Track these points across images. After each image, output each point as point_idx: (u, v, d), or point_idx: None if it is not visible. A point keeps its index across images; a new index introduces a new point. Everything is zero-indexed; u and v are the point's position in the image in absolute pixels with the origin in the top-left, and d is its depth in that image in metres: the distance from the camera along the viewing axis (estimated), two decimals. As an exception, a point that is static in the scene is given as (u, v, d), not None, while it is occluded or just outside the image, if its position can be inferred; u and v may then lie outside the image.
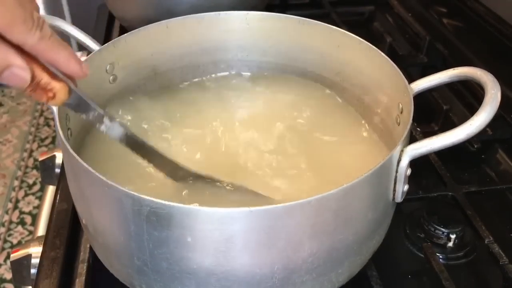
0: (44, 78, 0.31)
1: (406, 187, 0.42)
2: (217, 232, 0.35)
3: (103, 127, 0.39)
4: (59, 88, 0.32)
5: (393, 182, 0.41)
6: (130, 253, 0.39)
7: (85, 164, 0.37)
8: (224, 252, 0.36)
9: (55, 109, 0.42)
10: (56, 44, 0.31)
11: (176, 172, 0.45)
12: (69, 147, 0.39)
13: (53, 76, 0.32)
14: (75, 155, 0.38)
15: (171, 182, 0.46)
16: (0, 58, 0.29)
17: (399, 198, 0.42)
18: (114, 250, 0.41)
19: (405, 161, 0.40)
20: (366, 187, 0.38)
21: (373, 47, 0.51)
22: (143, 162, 0.45)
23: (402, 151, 0.40)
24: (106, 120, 0.39)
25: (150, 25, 0.54)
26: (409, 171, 0.41)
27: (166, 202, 0.34)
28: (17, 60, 0.30)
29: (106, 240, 0.41)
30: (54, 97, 0.33)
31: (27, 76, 0.31)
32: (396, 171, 0.40)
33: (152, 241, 0.37)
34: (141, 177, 0.47)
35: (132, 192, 0.35)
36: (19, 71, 0.30)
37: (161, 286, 0.40)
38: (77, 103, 0.36)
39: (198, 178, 0.46)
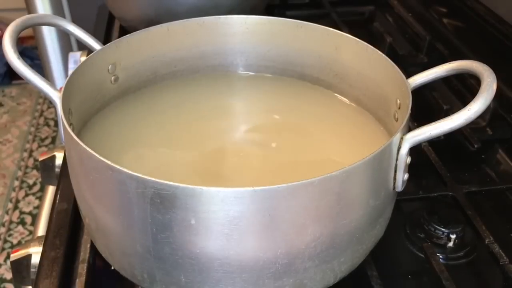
0: None
1: (406, 175, 0.42)
2: (221, 213, 0.35)
3: None
4: None
5: (393, 170, 0.41)
6: (133, 240, 0.39)
7: (88, 149, 0.37)
8: (227, 234, 0.36)
9: (58, 101, 0.43)
10: None
11: None
12: (71, 132, 0.39)
13: None
14: (78, 140, 0.38)
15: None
16: None
17: (399, 187, 0.42)
18: (116, 239, 0.41)
19: (405, 149, 0.41)
20: (367, 171, 0.39)
21: (370, 46, 0.51)
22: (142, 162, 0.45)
23: (402, 138, 0.41)
24: None
25: (151, 27, 0.54)
26: (409, 159, 0.41)
27: (171, 183, 0.35)
28: None
29: (108, 229, 0.41)
30: None
31: None
32: (397, 159, 0.41)
33: (155, 225, 0.37)
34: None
35: (136, 174, 0.35)
36: None
37: (164, 274, 0.40)
38: None
39: None
